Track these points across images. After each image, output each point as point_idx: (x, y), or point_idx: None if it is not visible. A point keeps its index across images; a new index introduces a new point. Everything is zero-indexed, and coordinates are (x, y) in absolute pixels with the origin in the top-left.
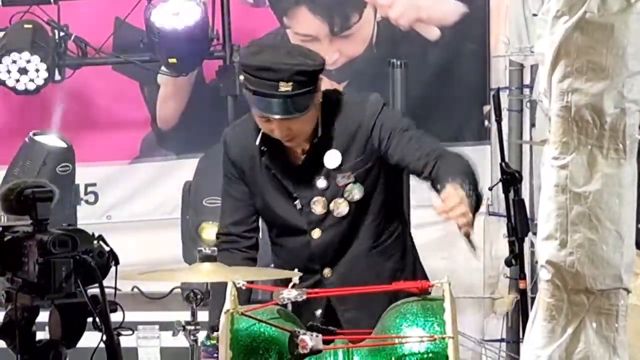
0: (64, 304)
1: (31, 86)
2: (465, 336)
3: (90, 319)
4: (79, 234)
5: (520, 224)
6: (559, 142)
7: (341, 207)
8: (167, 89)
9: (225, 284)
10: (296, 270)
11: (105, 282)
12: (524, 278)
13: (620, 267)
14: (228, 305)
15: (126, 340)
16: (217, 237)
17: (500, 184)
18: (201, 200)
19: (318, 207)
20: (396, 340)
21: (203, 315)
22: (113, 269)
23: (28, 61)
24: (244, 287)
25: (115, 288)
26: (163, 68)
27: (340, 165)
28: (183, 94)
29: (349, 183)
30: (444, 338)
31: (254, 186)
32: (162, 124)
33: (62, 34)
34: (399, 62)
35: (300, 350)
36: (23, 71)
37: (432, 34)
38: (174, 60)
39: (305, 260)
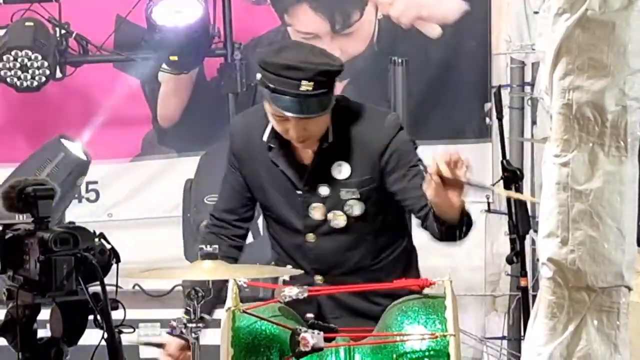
0: (65, 301)
1: (32, 84)
2: (467, 334)
3: (91, 317)
4: (80, 232)
5: (521, 222)
6: (560, 140)
7: (339, 220)
8: (168, 87)
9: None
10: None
11: (106, 280)
12: (525, 276)
13: (621, 264)
14: (229, 303)
15: (127, 338)
16: (210, 218)
17: (501, 182)
18: (202, 198)
19: (317, 213)
20: (397, 338)
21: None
22: (114, 266)
23: (29, 59)
24: (245, 285)
25: (117, 286)
26: (164, 66)
27: (347, 178)
28: (184, 92)
29: (352, 198)
30: (445, 336)
31: (253, 180)
32: (163, 122)
33: (63, 31)
34: (400, 60)
35: (301, 348)
36: (24, 69)
37: (434, 31)
38: (175, 58)
39: (299, 260)
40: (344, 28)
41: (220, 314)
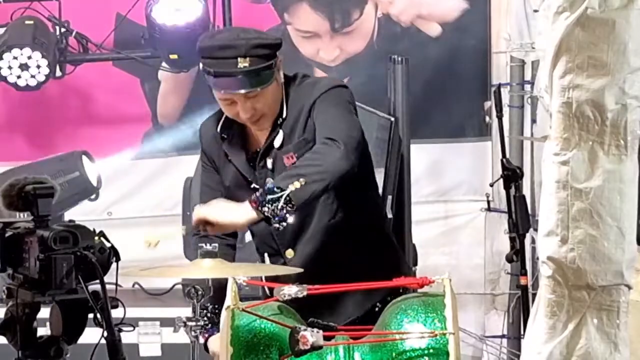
0: (65, 300)
1: (32, 82)
2: (466, 332)
3: (91, 315)
4: (80, 230)
5: (521, 220)
6: (560, 138)
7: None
8: (168, 85)
9: None
10: (266, 254)
11: (106, 278)
12: (525, 274)
13: (621, 263)
14: (229, 301)
15: (127, 337)
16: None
17: (501, 180)
18: None
19: None
20: (397, 336)
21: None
22: (114, 265)
23: (29, 57)
24: (244, 284)
25: (116, 284)
26: (164, 64)
27: (282, 145)
28: (184, 90)
29: (293, 163)
30: (444, 334)
31: (221, 174)
32: (163, 120)
33: (63, 30)
34: (399, 59)
35: (301, 347)
36: (24, 67)
37: (433, 30)
38: (175, 56)
39: (270, 243)
40: (343, 27)
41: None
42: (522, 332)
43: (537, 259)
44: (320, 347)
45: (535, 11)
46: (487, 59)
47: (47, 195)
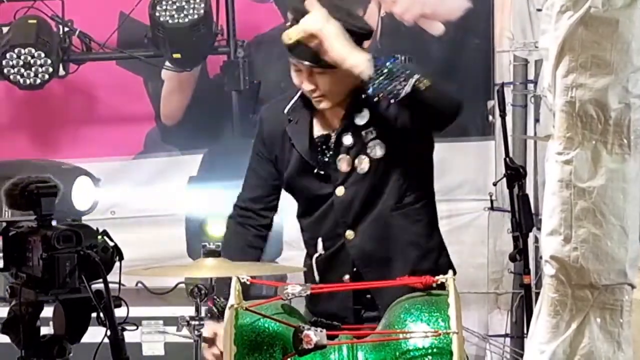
0: (68, 299)
1: (35, 81)
2: (470, 331)
3: (94, 314)
4: (83, 229)
5: (524, 219)
6: (563, 138)
7: (363, 164)
8: (171, 84)
9: None
10: (320, 240)
11: (109, 278)
12: (528, 273)
13: (624, 262)
14: (232, 300)
15: (130, 336)
16: (234, 209)
17: (504, 179)
18: None
19: (343, 164)
20: (400, 336)
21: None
22: (117, 264)
23: (32, 56)
24: (248, 283)
25: (120, 283)
26: (167, 63)
27: (367, 121)
28: (187, 90)
29: (372, 139)
30: (448, 333)
31: (282, 162)
32: (166, 120)
33: (66, 29)
34: (403, 58)
35: (304, 346)
36: (27, 66)
37: (436, 29)
38: (178, 56)
39: (330, 224)
40: None
41: None
42: (525, 331)
43: (541, 258)
44: (324, 347)
45: (539, 10)
46: (491, 58)
47: (50, 194)
